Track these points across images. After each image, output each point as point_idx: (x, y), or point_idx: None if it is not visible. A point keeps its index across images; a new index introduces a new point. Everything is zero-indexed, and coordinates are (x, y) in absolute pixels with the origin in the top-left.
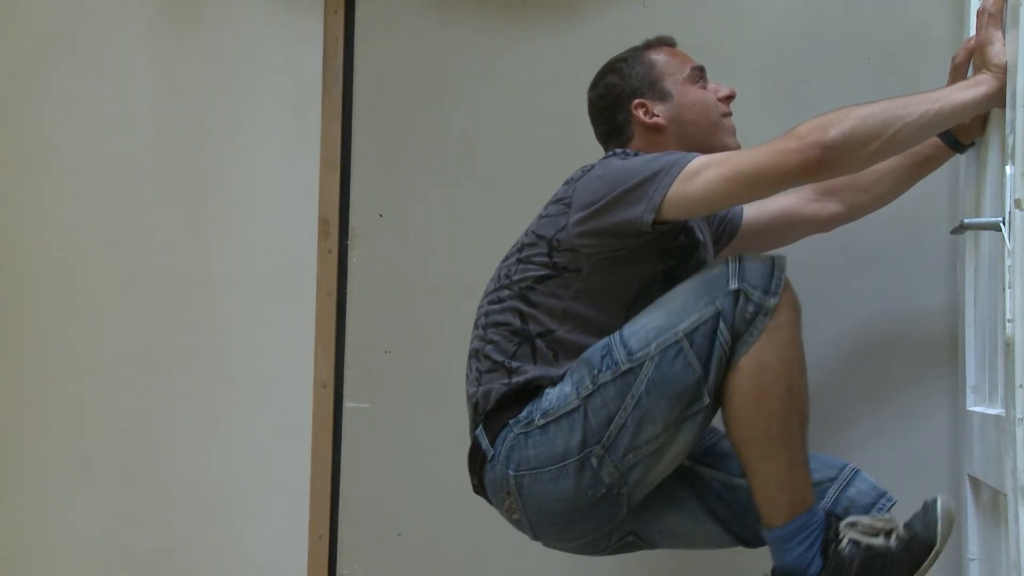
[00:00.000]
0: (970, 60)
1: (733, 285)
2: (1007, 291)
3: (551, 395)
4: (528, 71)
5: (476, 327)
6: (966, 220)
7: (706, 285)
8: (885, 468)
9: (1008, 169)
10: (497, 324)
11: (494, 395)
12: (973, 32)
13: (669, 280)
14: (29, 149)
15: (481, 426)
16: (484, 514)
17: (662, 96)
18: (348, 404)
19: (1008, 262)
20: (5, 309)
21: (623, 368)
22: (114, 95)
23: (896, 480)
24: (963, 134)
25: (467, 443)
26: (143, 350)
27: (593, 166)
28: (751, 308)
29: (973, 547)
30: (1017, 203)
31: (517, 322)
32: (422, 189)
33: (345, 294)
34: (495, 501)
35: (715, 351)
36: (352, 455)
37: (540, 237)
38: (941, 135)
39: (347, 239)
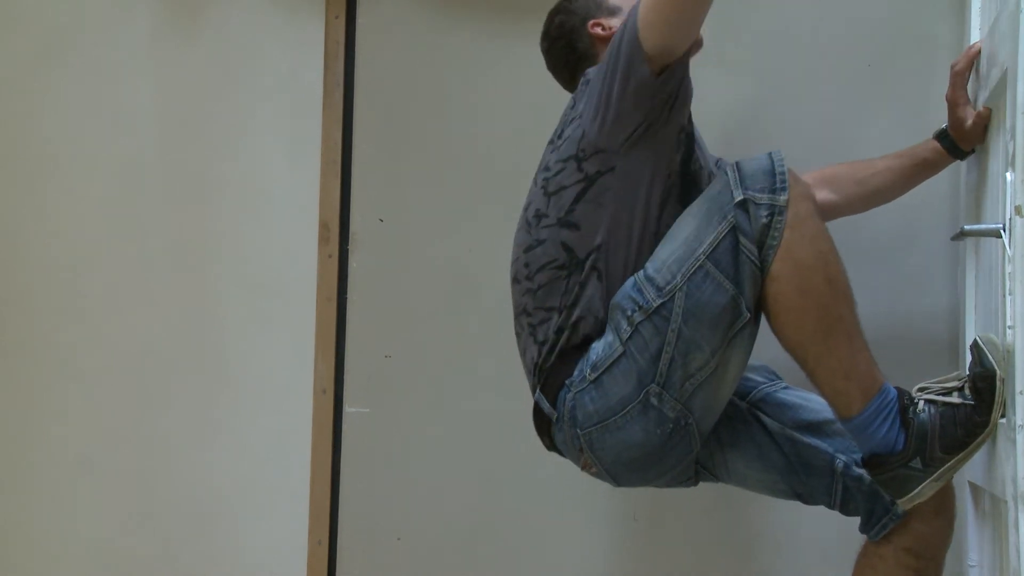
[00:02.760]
0: (971, 68)
1: (738, 195)
2: (1007, 298)
3: (596, 348)
4: (529, 76)
5: (517, 281)
6: (966, 227)
7: (713, 203)
8: None
9: (1008, 176)
10: (542, 267)
11: (551, 354)
12: (974, 38)
13: (685, 182)
14: (31, 153)
15: (539, 390)
16: (484, 517)
17: (611, 11)
18: (348, 409)
19: (1008, 269)
20: (6, 311)
21: (655, 304)
22: (116, 100)
23: None
24: (963, 140)
25: (466, 447)
26: (144, 354)
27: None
28: (763, 212)
29: (973, 554)
30: (1017, 210)
31: (562, 256)
32: (423, 194)
33: (345, 299)
34: (571, 458)
35: (742, 264)
36: (352, 460)
37: (565, 160)
38: (941, 140)
39: (347, 244)
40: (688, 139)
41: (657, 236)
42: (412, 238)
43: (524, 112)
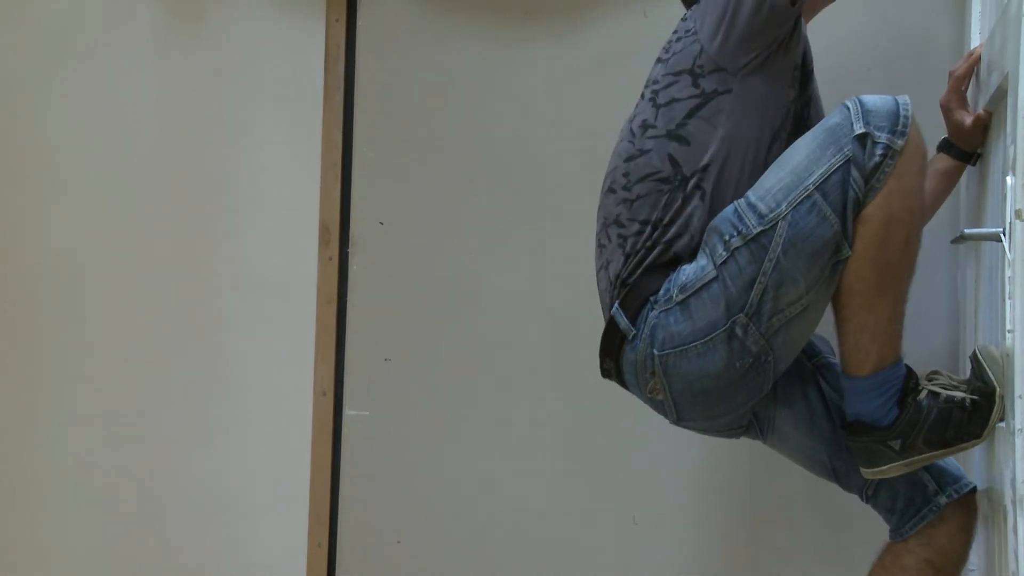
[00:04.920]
0: (971, 73)
1: (859, 128)
2: (1007, 302)
3: (686, 270)
4: (529, 79)
5: (612, 191)
6: (967, 230)
7: (829, 134)
8: None
9: (1009, 180)
10: (644, 177)
11: (639, 268)
12: (974, 43)
13: (797, 118)
14: (31, 153)
15: (618, 304)
16: (483, 520)
17: None
18: (348, 412)
19: (1008, 273)
20: (6, 313)
21: (755, 231)
22: (117, 102)
23: None
24: (965, 143)
25: (466, 449)
26: (144, 357)
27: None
28: (879, 151)
29: (973, 558)
30: (1018, 214)
31: (668, 168)
32: (423, 197)
33: (345, 302)
34: (635, 383)
35: (849, 200)
36: (352, 462)
37: (678, 73)
38: (943, 148)
39: (348, 246)
40: (803, 79)
41: (765, 167)
42: (412, 241)
43: (525, 114)
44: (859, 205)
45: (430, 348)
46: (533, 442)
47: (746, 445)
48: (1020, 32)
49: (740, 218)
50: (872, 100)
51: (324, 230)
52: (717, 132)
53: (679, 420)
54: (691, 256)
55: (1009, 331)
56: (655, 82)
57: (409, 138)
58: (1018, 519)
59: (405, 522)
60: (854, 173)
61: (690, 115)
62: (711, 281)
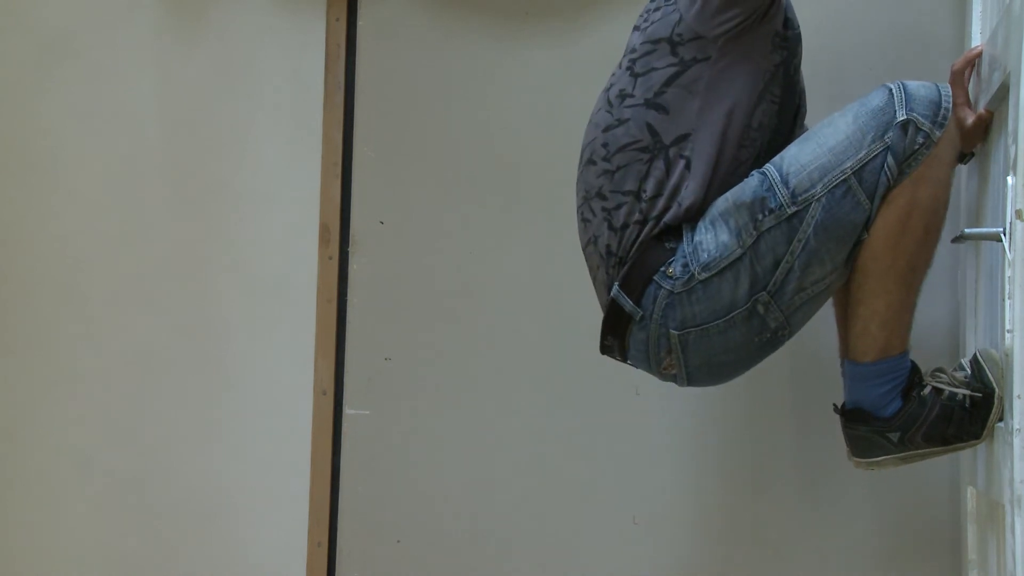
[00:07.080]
0: (969, 67)
1: (902, 116)
2: (1007, 301)
3: (706, 246)
4: (529, 79)
5: (592, 162)
6: (967, 230)
7: (871, 118)
8: (884, 477)
9: (1010, 179)
10: (623, 147)
11: (634, 246)
12: (975, 41)
13: (786, 77)
14: (32, 153)
15: (619, 285)
16: (483, 520)
17: None
18: (348, 411)
19: (1008, 273)
20: (6, 312)
21: (788, 212)
22: (117, 101)
23: (895, 489)
24: (963, 141)
25: (466, 450)
26: (143, 356)
27: None
28: (920, 139)
29: (972, 558)
30: (1018, 214)
31: (647, 137)
32: (423, 196)
33: (345, 301)
34: (645, 360)
35: (881, 185)
36: (352, 462)
37: (656, 42)
38: None
39: (348, 246)
40: (788, 44)
41: (749, 132)
42: (412, 240)
43: (526, 115)
44: (888, 189)
45: (430, 348)
46: (533, 442)
47: (747, 446)
48: (1022, 30)
49: (772, 191)
50: (915, 86)
51: (324, 229)
52: (696, 100)
53: (687, 385)
54: (685, 223)
55: (1009, 331)
56: (633, 51)
57: (409, 138)
58: (1016, 519)
59: (405, 522)
60: (890, 160)
61: (668, 83)
62: (736, 260)
